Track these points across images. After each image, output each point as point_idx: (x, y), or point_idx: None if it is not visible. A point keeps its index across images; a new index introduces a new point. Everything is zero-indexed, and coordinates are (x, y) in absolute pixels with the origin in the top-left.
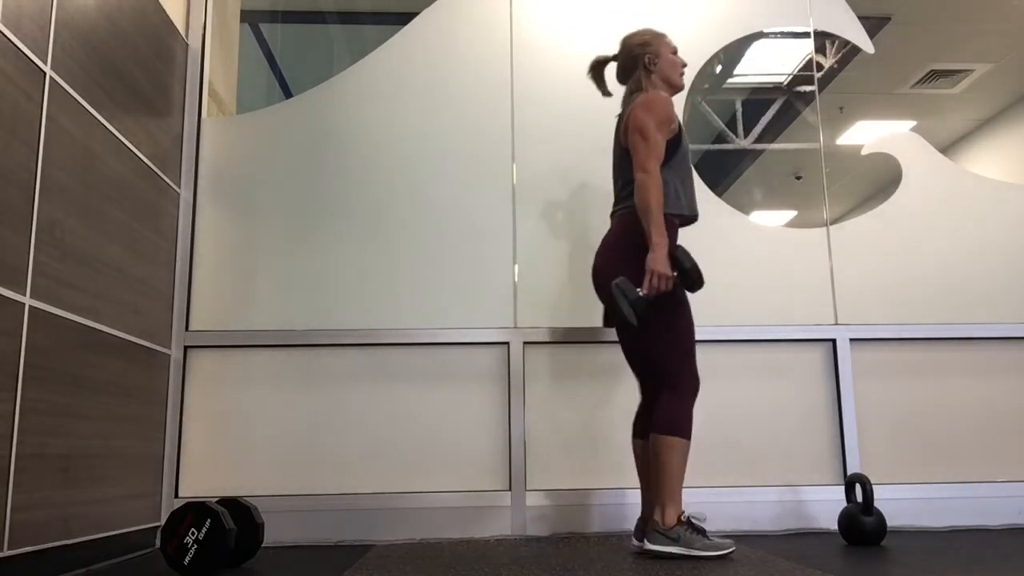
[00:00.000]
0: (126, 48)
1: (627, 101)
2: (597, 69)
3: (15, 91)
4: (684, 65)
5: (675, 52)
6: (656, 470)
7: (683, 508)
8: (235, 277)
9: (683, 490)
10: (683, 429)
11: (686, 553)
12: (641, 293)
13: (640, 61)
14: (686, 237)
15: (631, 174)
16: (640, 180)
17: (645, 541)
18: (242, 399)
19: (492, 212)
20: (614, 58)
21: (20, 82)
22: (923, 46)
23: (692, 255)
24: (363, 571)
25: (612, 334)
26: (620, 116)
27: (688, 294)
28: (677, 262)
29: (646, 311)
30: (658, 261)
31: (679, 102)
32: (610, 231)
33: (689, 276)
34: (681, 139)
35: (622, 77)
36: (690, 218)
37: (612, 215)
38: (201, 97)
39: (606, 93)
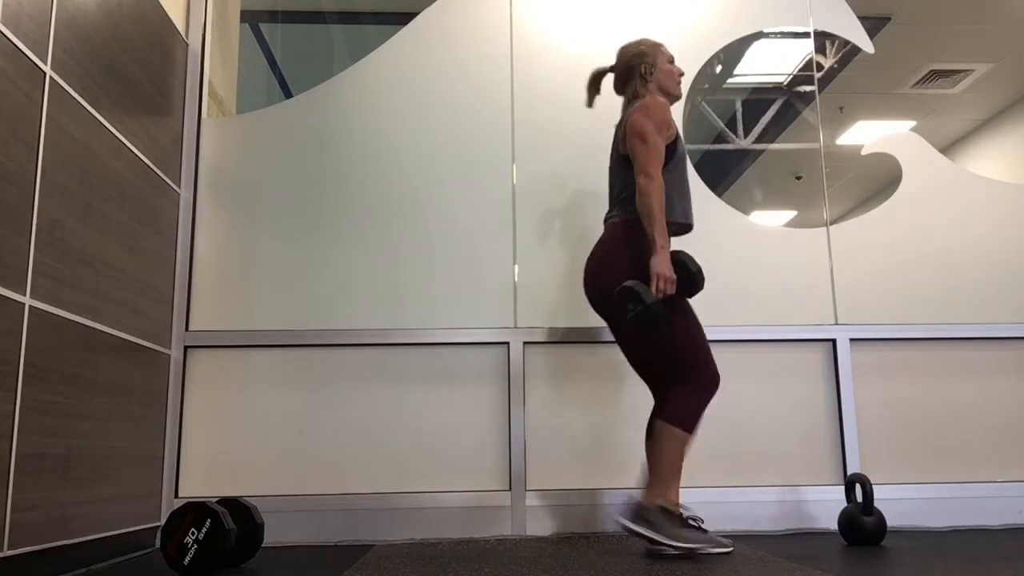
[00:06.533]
0: (126, 48)
1: (625, 111)
2: (595, 80)
3: (15, 91)
4: (681, 74)
5: (671, 61)
6: (654, 456)
7: (679, 503)
8: (235, 277)
9: (683, 490)
10: (691, 423)
11: (652, 536)
12: None
13: (636, 71)
14: (685, 238)
15: (628, 178)
16: (642, 184)
17: (620, 516)
18: (242, 399)
19: (492, 212)
20: (611, 69)
21: (20, 82)
22: (923, 46)
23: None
24: (363, 571)
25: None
26: (618, 126)
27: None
28: (682, 265)
29: (663, 313)
30: (662, 264)
31: (678, 106)
32: (604, 236)
33: (695, 279)
34: (677, 145)
35: (619, 87)
36: (684, 227)
37: (606, 221)
38: (201, 97)
39: (590, 104)
